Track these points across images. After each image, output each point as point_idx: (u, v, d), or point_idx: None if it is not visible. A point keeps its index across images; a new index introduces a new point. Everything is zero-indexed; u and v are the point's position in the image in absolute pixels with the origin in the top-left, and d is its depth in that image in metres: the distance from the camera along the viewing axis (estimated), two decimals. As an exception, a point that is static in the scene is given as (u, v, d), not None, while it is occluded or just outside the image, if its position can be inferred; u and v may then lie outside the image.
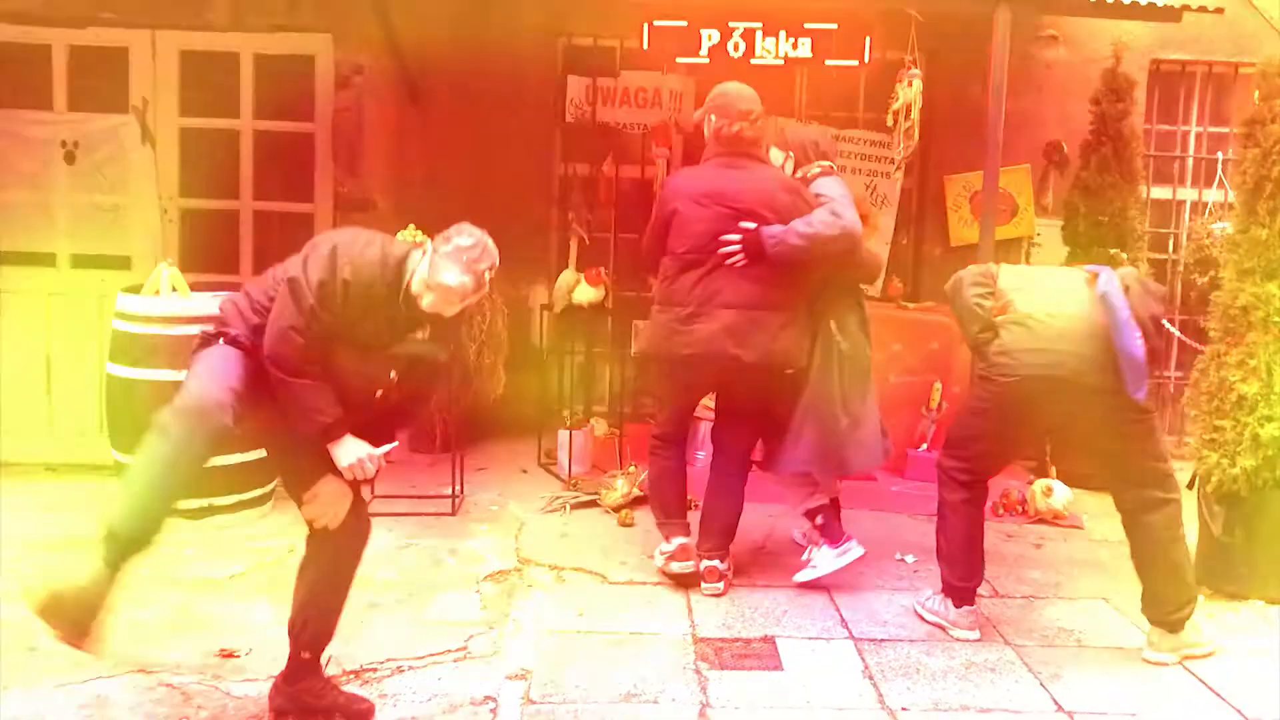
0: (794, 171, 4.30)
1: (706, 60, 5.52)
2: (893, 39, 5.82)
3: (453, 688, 3.39)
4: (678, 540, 4.25)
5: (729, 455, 4.32)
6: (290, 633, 3.12)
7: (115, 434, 4.88)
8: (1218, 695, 3.49)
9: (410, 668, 3.51)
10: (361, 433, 2.93)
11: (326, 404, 2.84)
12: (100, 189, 6.53)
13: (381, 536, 4.67)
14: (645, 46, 5.65)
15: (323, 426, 2.85)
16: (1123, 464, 3.71)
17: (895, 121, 5.47)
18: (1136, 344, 3.50)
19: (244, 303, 3.00)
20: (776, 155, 4.36)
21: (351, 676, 3.44)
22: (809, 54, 5.44)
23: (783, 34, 5.33)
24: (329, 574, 3.11)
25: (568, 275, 5.64)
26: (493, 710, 3.25)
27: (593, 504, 5.18)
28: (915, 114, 5.35)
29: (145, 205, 6.52)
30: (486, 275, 2.87)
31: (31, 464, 6.09)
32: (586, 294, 5.52)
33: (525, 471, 5.78)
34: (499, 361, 6.12)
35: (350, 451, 2.89)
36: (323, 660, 3.18)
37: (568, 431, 5.57)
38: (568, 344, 6.26)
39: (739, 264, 3.97)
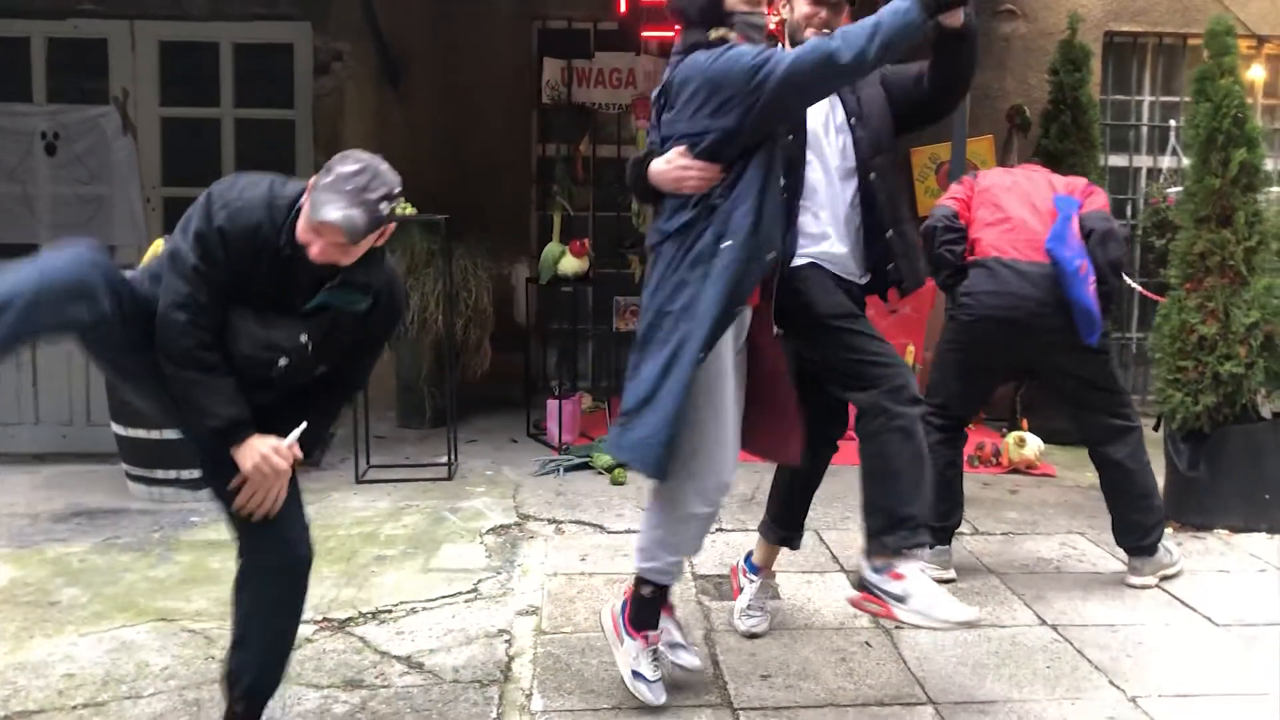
0: None
1: (671, 35, 5.66)
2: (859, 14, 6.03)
3: (467, 624, 3.52)
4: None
5: None
6: (225, 680, 2.67)
7: (115, 407, 4.95)
8: (1189, 607, 3.71)
9: (424, 608, 3.64)
10: (284, 416, 2.51)
11: (220, 403, 2.38)
12: (81, 180, 6.61)
13: (381, 500, 4.85)
14: (623, 7, 5.78)
15: (214, 430, 2.40)
16: (1084, 398, 3.87)
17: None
18: (1086, 294, 3.62)
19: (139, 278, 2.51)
20: None
21: (367, 618, 3.57)
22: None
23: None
24: (275, 602, 2.64)
25: (553, 247, 5.78)
26: (507, 641, 3.39)
27: (585, 466, 5.33)
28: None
29: (128, 195, 6.60)
30: (384, 207, 2.34)
31: (19, 455, 6.14)
32: (571, 265, 5.67)
33: (515, 441, 5.92)
34: (485, 337, 6.26)
35: (252, 451, 2.40)
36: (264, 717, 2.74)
37: (557, 401, 5.70)
38: (554, 317, 6.43)
39: None
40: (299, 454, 2.50)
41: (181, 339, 2.36)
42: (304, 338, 2.44)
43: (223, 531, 3.94)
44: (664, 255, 2.78)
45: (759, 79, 2.59)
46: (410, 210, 5.30)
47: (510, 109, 6.71)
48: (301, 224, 2.35)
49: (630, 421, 2.74)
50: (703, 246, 2.69)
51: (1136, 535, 3.89)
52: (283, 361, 2.44)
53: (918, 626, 2.85)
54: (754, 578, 3.53)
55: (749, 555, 3.58)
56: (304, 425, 2.53)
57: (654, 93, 2.88)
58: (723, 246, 2.66)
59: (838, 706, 2.98)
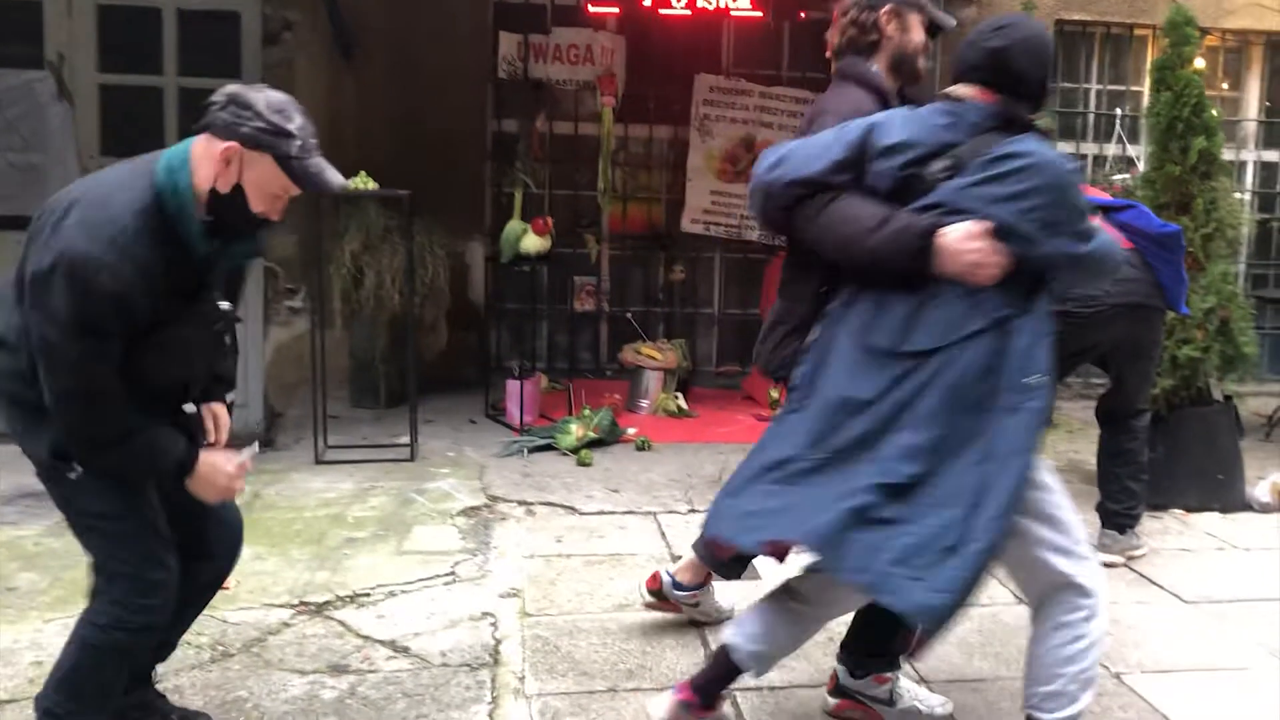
0: None
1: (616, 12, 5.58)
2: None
3: (449, 606, 3.46)
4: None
5: None
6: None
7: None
8: (1158, 585, 3.80)
9: (403, 591, 3.57)
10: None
11: (160, 449, 2.21)
12: (15, 148, 6.31)
13: (343, 481, 4.74)
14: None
15: (171, 474, 2.25)
16: (1139, 376, 4.00)
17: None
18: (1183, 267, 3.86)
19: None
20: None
21: (345, 601, 3.48)
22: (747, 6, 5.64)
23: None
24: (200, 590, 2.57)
25: (515, 225, 5.69)
26: (493, 624, 3.33)
27: (548, 448, 5.27)
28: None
29: (64, 164, 6.32)
30: None
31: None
32: (533, 243, 5.59)
33: (474, 422, 5.83)
34: (441, 316, 6.16)
35: (211, 485, 2.29)
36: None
37: (518, 382, 5.63)
38: (507, 296, 6.35)
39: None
40: (251, 467, 2.40)
41: (95, 426, 2.13)
42: (225, 305, 2.32)
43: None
44: (956, 361, 2.26)
45: (1080, 238, 2.30)
46: (371, 185, 5.17)
47: (465, 84, 6.58)
48: (263, 199, 2.18)
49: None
50: (1013, 373, 2.26)
51: (1129, 503, 4.01)
52: (228, 339, 2.38)
53: None
54: (693, 595, 3.26)
55: (676, 581, 3.25)
56: (255, 446, 2.48)
57: (904, 132, 2.32)
58: (1038, 382, 2.27)
59: (826, 690, 2.98)
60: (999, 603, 3.59)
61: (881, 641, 2.78)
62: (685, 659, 3.11)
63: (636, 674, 3.03)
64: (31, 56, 6.27)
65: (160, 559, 2.31)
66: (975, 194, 2.25)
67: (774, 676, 3.03)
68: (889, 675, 2.81)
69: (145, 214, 2.09)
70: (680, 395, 6.16)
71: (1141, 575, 3.89)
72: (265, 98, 2.16)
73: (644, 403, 6.10)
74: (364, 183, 5.16)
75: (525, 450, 5.22)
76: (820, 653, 3.18)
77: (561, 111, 6.79)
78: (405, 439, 5.19)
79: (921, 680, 3.02)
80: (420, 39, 6.42)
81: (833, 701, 2.86)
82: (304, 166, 2.17)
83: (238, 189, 2.16)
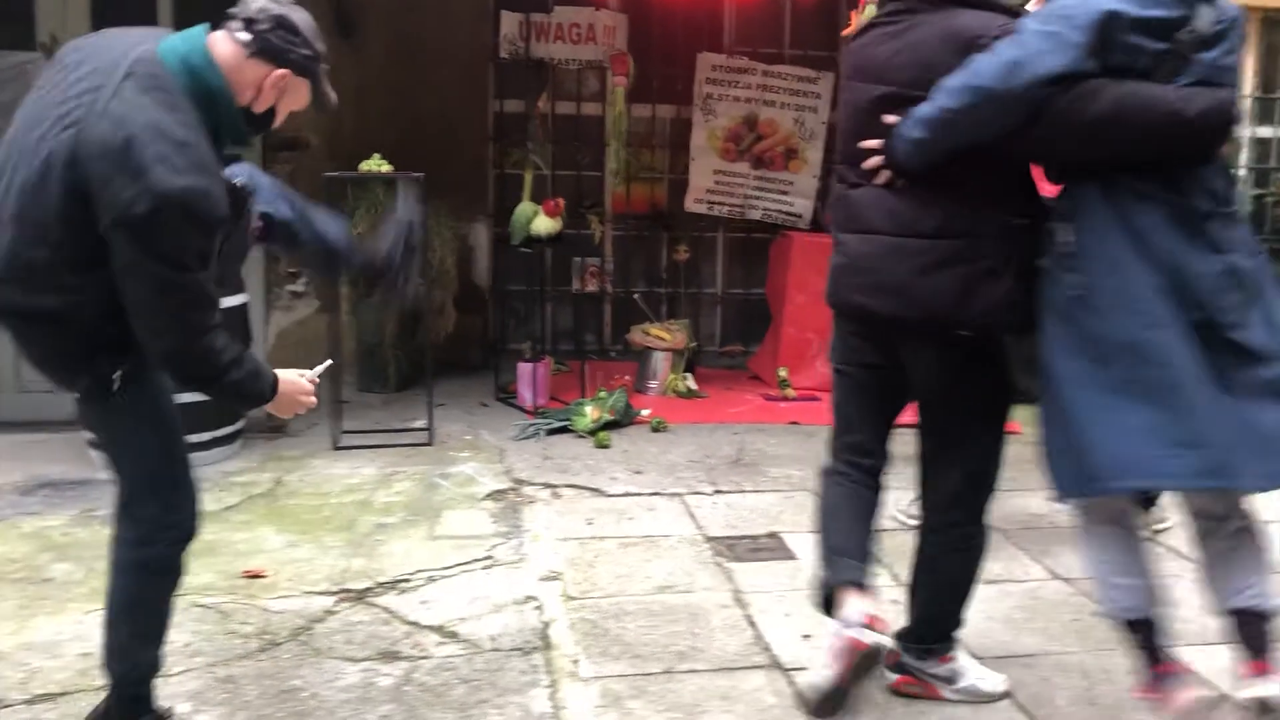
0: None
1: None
2: None
3: (490, 591, 3.45)
4: (846, 600, 2.61)
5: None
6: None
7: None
8: (1186, 558, 3.84)
9: (442, 576, 3.56)
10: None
11: (259, 380, 2.22)
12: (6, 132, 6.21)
13: (365, 467, 4.72)
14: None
15: (266, 399, 2.27)
16: None
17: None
18: None
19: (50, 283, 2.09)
20: None
21: (386, 588, 3.47)
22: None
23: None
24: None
25: (525, 207, 5.65)
26: (537, 607, 3.33)
27: (565, 430, 5.26)
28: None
29: (59, 148, 6.22)
30: None
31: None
32: (545, 225, 5.55)
33: (485, 405, 5.81)
34: (448, 299, 6.12)
35: (288, 396, 2.30)
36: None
37: (530, 364, 5.61)
38: (510, 278, 6.32)
39: (893, 182, 2.48)
40: (316, 380, 2.43)
41: (219, 358, 2.11)
42: (239, 181, 2.26)
43: (208, 502, 3.59)
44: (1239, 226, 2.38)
45: None
46: (386, 167, 5.12)
47: (467, 64, 6.52)
48: (284, 115, 2.24)
49: None
50: None
51: None
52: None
53: (960, 703, 2.82)
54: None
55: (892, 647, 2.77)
56: (329, 362, 2.56)
57: (1153, 7, 2.25)
58: None
59: (885, 665, 3.00)
60: (1034, 579, 3.64)
61: (945, 624, 2.81)
62: (734, 640, 3.13)
63: (689, 655, 3.04)
64: (23, 38, 6.15)
65: (185, 470, 2.38)
66: (1222, 65, 2.27)
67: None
68: (953, 654, 2.83)
69: (200, 126, 2.06)
70: (689, 376, 6.16)
71: (1169, 549, 3.94)
72: (304, 20, 2.17)
73: (653, 384, 6.10)
74: (378, 165, 5.10)
75: (542, 433, 5.21)
76: (868, 631, 3.20)
77: (564, 91, 6.74)
78: (421, 423, 5.16)
79: (975, 656, 3.04)
80: (421, 18, 6.35)
81: (893, 676, 2.87)
82: (327, 89, 2.24)
83: (270, 109, 2.19)
